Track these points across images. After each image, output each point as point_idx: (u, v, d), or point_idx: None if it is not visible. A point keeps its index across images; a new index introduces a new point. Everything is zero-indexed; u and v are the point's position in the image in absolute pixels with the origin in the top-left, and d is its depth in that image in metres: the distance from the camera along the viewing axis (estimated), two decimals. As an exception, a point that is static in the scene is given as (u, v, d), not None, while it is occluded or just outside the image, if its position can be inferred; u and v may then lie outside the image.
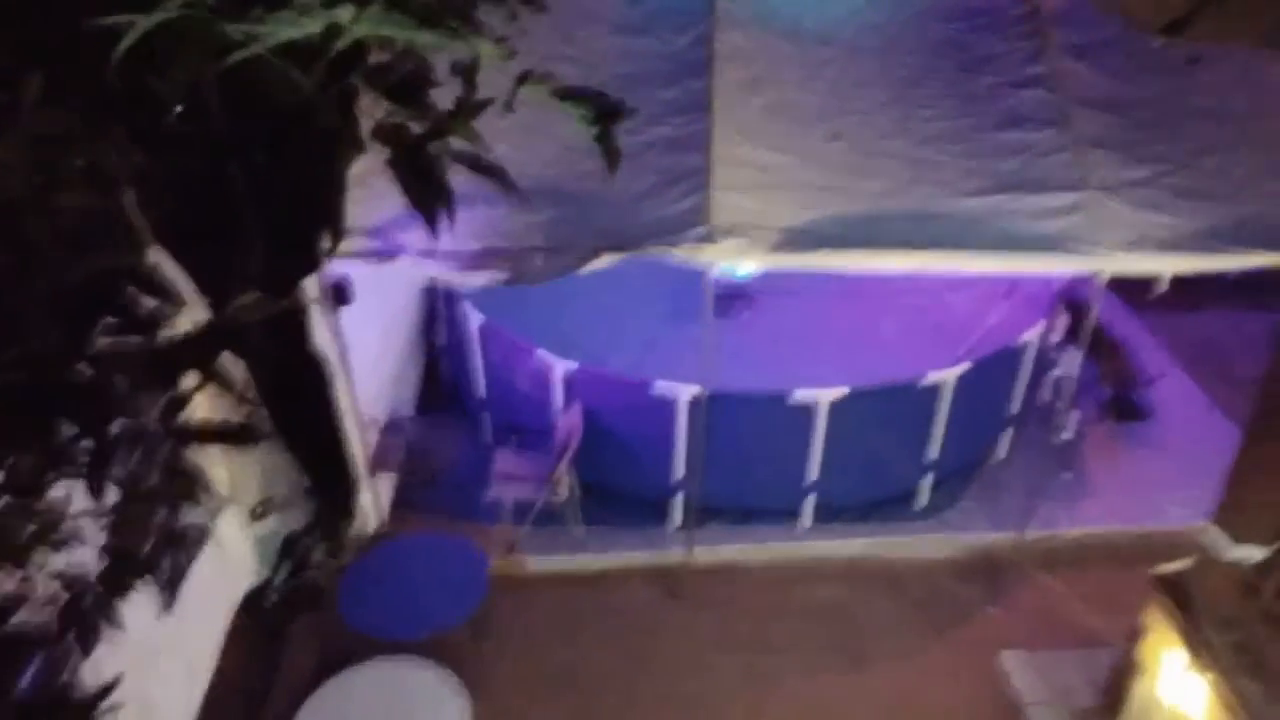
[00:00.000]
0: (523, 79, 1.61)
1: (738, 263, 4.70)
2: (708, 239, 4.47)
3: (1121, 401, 7.01)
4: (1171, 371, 7.58)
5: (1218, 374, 7.47)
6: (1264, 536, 3.45)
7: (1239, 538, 3.47)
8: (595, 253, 4.46)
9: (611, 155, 1.70)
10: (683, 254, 4.50)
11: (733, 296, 6.81)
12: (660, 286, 6.18)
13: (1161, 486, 6.52)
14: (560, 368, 5.92)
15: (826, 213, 4.59)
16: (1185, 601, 3.79)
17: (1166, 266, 4.61)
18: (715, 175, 4.65)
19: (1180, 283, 4.69)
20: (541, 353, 5.98)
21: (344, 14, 1.26)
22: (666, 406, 5.75)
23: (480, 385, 6.61)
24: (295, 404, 4.34)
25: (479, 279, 4.42)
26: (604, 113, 1.67)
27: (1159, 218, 4.56)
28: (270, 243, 1.56)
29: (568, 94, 1.66)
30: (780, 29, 5.11)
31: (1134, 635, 4.12)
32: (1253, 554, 3.48)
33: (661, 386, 5.70)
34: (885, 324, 6.69)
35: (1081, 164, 4.73)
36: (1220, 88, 4.93)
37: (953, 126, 4.87)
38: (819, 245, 4.47)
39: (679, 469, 5.97)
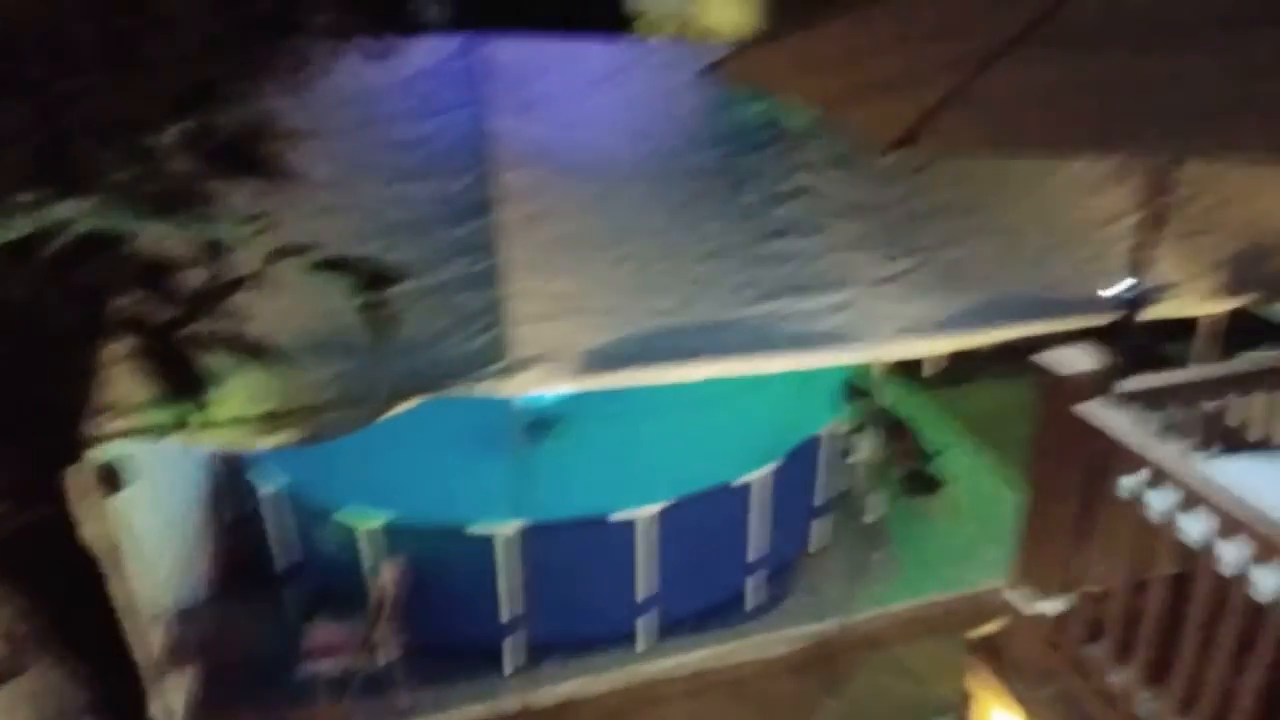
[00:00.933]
0: (278, 254, 1.56)
1: (541, 390, 4.70)
2: (509, 372, 4.47)
3: (915, 476, 7.45)
4: (953, 442, 8.17)
5: (993, 439, 8.13)
6: (1059, 589, 3.69)
7: (1038, 593, 3.70)
8: (394, 399, 4.34)
9: (380, 324, 1.65)
10: (485, 389, 4.47)
11: (541, 423, 6.78)
12: (466, 422, 6.07)
13: (964, 552, 6.94)
14: (368, 523, 5.63)
15: (621, 333, 4.71)
16: (1001, 662, 3.98)
17: (930, 349, 5.04)
18: (510, 308, 4.69)
19: (948, 359, 5.15)
20: (346, 510, 5.68)
21: (64, 211, 1.18)
22: (486, 546, 5.58)
23: (282, 555, 6.17)
24: (68, 609, 3.86)
25: (269, 442, 4.17)
26: (371, 280, 1.63)
27: (916, 307, 5.01)
28: (16, 442, 1.41)
29: (329, 265, 1.62)
30: (557, 166, 5.30)
31: (963, 701, 4.28)
32: (1053, 606, 3.71)
33: (478, 526, 5.54)
34: (694, 433, 6.85)
35: (844, 265, 5.14)
36: (947, 188, 5.56)
37: (727, 242, 5.17)
38: (617, 365, 4.56)
39: (507, 609, 5.75)
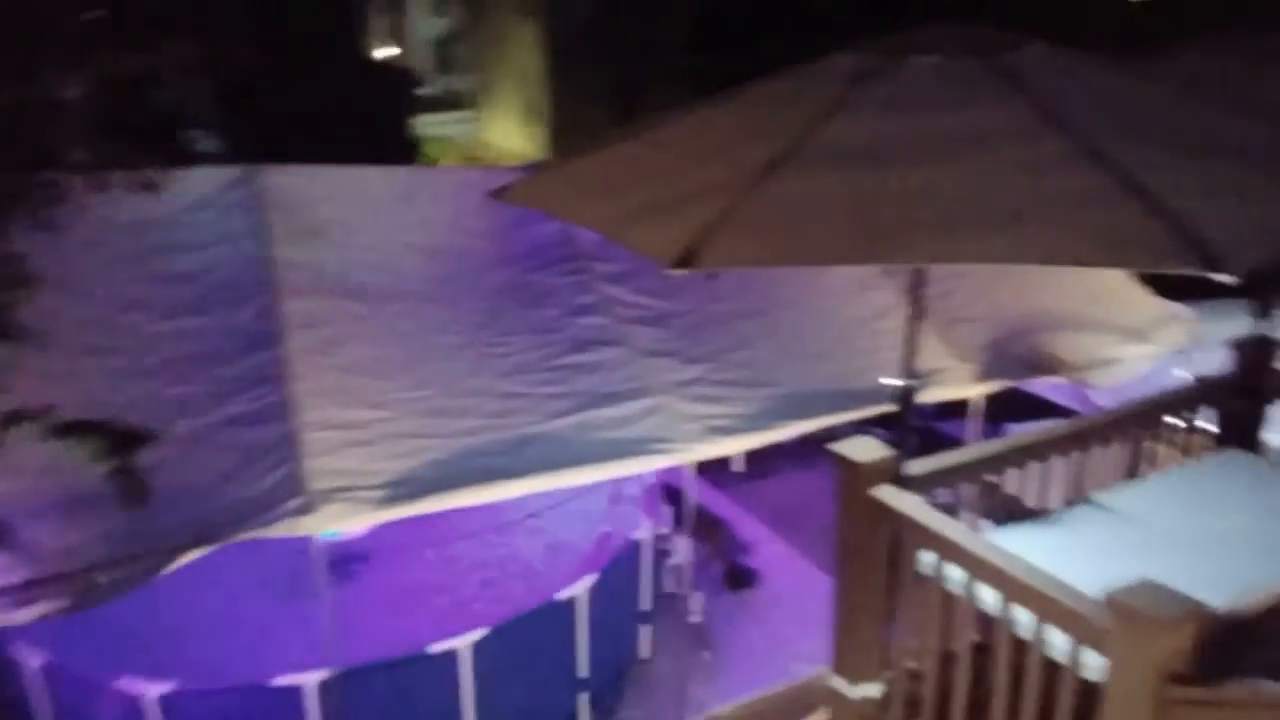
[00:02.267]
0: (10, 421, 1.41)
1: (343, 526, 4.48)
2: (306, 509, 4.24)
3: (733, 572, 7.57)
4: (764, 535, 8.38)
5: (799, 530, 8.39)
6: (877, 670, 3.80)
7: (858, 676, 3.79)
8: (175, 553, 3.99)
9: (134, 489, 1.50)
10: (281, 530, 4.21)
11: (348, 559, 6.43)
12: (260, 567, 5.68)
13: (786, 643, 7.03)
14: (153, 692, 5.06)
15: (425, 459, 4.58)
16: (831, 750, 4.02)
17: (734, 447, 5.21)
18: (304, 442, 4.48)
19: (751, 455, 5.34)
20: (126, 681, 5.09)
21: None
22: (293, 698, 5.14)
23: (54, 739, 5.43)
24: None
25: (29, 614, 3.72)
26: (119, 442, 1.48)
27: (716, 408, 5.18)
28: None
29: (70, 429, 1.46)
30: (345, 292, 5.19)
31: (799, 798, 4.28)
32: (873, 689, 3.81)
33: (283, 678, 5.10)
34: (508, 554, 6.70)
35: (644, 374, 5.27)
36: (734, 294, 5.87)
37: (529, 357, 5.19)
38: (423, 492, 4.42)
39: (323, 766, 5.28)
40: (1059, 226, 2.61)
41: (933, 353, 5.85)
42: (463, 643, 5.48)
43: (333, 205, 5.64)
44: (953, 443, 4.54)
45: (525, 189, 3.74)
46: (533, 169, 5.79)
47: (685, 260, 2.53)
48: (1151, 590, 2.59)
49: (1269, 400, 4.53)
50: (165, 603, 4.91)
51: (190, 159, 5.53)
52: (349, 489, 4.34)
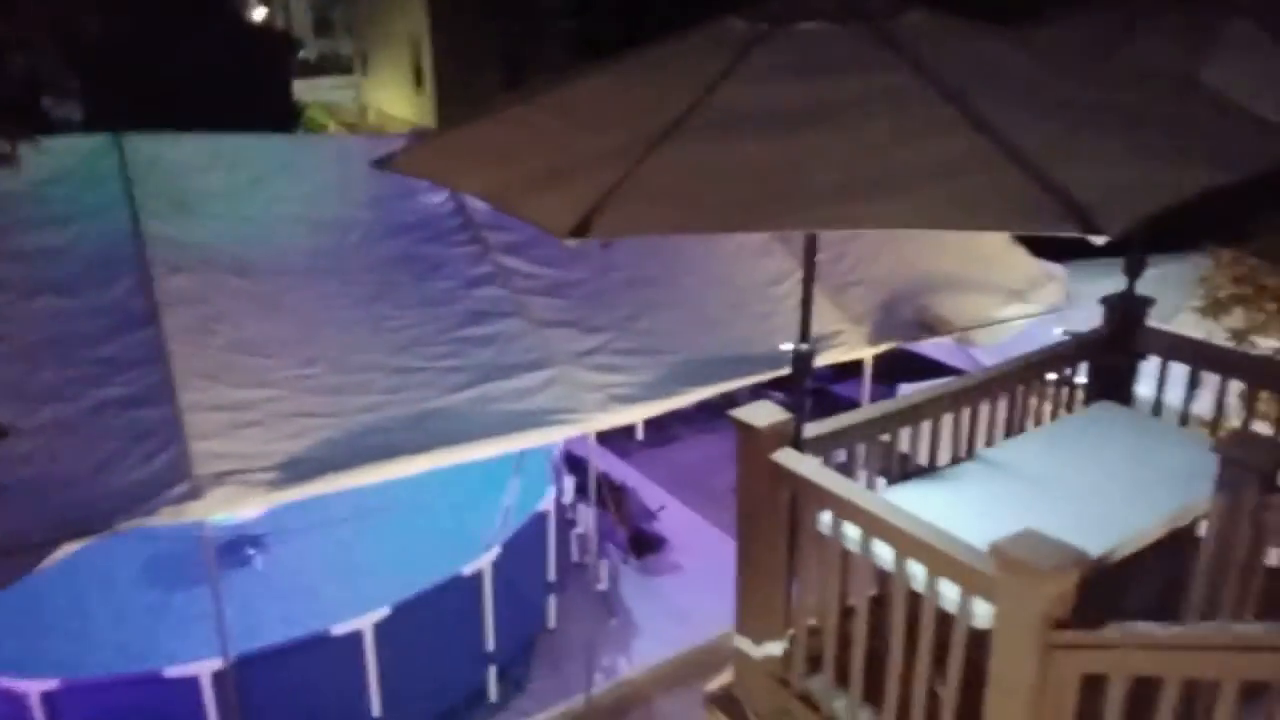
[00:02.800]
0: None
1: (233, 511, 4.32)
2: (193, 495, 4.07)
3: (637, 539, 7.63)
4: (668, 501, 8.48)
5: (702, 495, 8.51)
6: (780, 628, 3.89)
7: (759, 637, 3.87)
8: (53, 545, 3.79)
9: None
10: (166, 518, 4.03)
11: (240, 543, 6.23)
12: (148, 553, 5.45)
13: (692, 606, 7.16)
14: (35, 690, 4.82)
15: (319, 438, 4.44)
16: (735, 709, 4.11)
17: (637, 415, 5.22)
18: (187, 424, 4.28)
19: (652, 423, 5.36)
20: (5, 680, 4.83)
21: None
22: (189, 688, 4.97)
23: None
24: None
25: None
26: None
27: (617, 377, 5.17)
28: None
29: None
30: (226, 266, 4.97)
31: (708, 756, 4.36)
32: (777, 646, 3.90)
33: (176, 668, 4.93)
34: (410, 530, 6.59)
35: (544, 344, 5.22)
36: (632, 263, 5.85)
37: (424, 331, 5.07)
38: (318, 472, 4.29)
39: (221, 757, 5.13)
40: (944, 191, 2.66)
41: (826, 317, 5.97)
42: (365, 622, 5.39)
43: (209, 175, 5.38)
44: (847, 404, 4.65)
45: (411, 158, 3.61)
46: (418, 136, 5.63)
47: (579, 229, 2.49)
48: (1034, 540, 2.71)
49: (1139, 355, 4.78)
50: (46, 593, 4.66)
51: (51, 128, 5.18)
52: (238, 472, 4.19)
